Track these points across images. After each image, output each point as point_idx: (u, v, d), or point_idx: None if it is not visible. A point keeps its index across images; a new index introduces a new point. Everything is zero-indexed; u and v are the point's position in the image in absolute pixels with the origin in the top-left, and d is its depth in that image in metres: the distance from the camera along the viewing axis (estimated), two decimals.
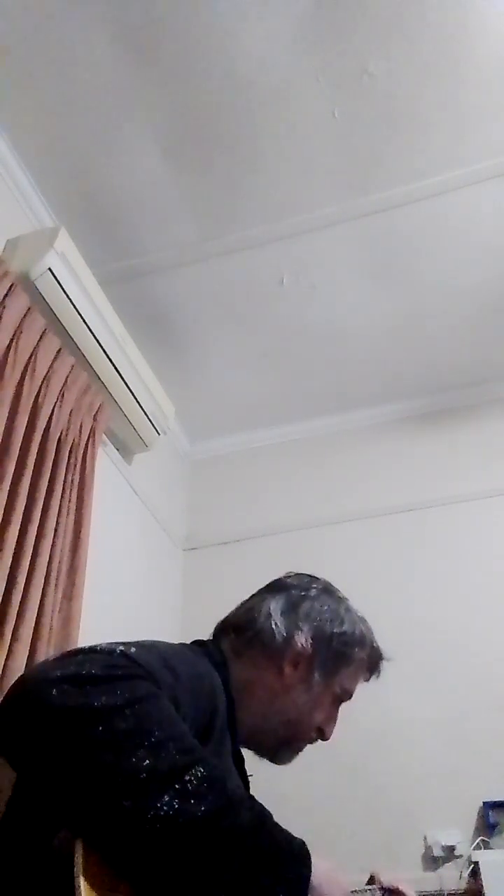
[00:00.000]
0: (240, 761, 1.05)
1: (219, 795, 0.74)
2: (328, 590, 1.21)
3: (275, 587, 1.21)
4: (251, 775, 1.08)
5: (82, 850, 0.70)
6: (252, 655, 1.12)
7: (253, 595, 1.22)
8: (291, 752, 1.14)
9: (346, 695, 1.16)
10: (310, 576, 1.24)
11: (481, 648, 2.54)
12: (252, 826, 0.76)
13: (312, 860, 0.80)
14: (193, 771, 0.73)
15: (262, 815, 0.79)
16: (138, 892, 0.72)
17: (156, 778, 0.71)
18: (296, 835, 0.82)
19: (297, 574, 1.24)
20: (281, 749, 1.12)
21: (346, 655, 1.14)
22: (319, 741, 1.15)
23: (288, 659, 1.11)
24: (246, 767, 1.08)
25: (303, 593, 1.18)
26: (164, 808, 0.70)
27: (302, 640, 1.11)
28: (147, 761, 0.72)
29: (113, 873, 0.71)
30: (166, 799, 0.70)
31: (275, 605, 1.16)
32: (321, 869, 0.81)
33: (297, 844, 0.80)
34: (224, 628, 1.18)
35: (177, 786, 0.72)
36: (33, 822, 0.78)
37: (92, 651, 0.83)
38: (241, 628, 1.15)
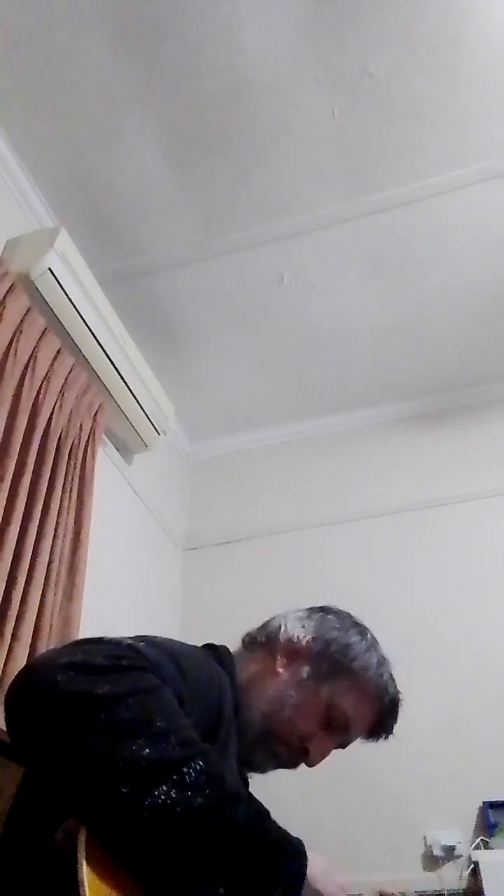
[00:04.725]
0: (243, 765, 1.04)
1: (216, 789, 0.75)
2: (358, 625, 1.15)
3: (309, 607, 1.18)
4: (251, 777, 1.07)
5: (86, 842, 0.70)
6: (254, 650, 1.12)
7: None
8: (267, 756, 1.05)
9: (336, 712, 1.05)
10: (350, 614, 1.17)
11: (481, 648, 2.54)
12: (249, 822, 0.78)
13: (309, 856, 0.81)
14: (193, 764, 0.74)
15: (259, 813, 0.81)
16: (138, 880, 0.73)
17: (154, 767, 0.72)
18: (295, 834, 0.84)
19: (340, 609, 1.18)
20: (258, 747, 1.03)
21: (341, 665, 1.07)
22: (305, 766, 1.06)
23: (281, 650, 1.09)
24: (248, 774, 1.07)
25: (329, 616, 1.15)
26: (162, 797, 0.71)
27: (300, 634, 1.10)
28: (147, 750, 0.73)
29: (116, 864, 0.72)
30: (164, 788, 0.71)
31: (294, 612, 1.15)
32: (317, 865, 0.82)
33: (295, 842, 0.82)
34: (244, 636, 1.17)
35: (175, 777, 0.73)
36: (38, 818, 0.79)
37: (99, 641, 0.84)
38: (255, 630, 1.16)
